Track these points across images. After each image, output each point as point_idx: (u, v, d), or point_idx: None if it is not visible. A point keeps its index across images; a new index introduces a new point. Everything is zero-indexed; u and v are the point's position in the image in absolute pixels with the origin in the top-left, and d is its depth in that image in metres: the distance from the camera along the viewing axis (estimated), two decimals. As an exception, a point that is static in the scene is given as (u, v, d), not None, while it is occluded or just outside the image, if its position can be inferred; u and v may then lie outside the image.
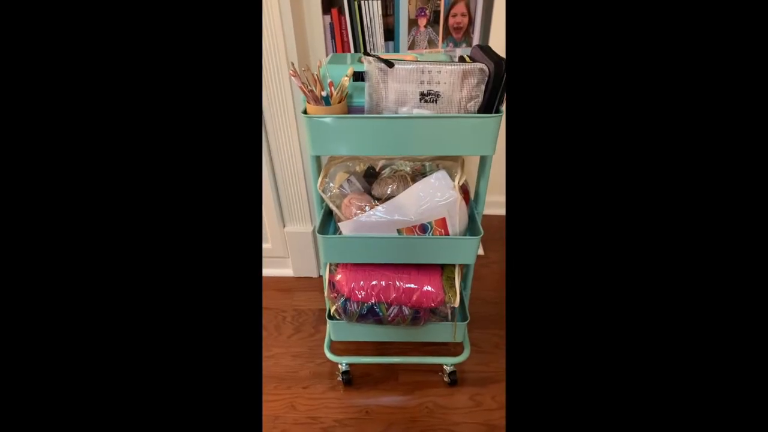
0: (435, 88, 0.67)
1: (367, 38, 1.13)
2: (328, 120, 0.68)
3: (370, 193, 0.88)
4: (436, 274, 0.89)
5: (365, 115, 0.68)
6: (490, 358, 1.09)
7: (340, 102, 0.70)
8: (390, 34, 1.16)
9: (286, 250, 1.33)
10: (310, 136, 0.70)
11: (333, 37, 1.12)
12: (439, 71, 0.66)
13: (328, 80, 0.71)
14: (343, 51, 1.14)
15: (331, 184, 0.84)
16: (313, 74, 0.69)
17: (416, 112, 0.69)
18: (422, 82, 0.67)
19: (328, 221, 0.93)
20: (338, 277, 0.89)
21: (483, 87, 0.67)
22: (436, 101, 0.68)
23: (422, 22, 1.13)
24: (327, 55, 1.13)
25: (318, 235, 0.82)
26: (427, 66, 0.66)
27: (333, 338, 1.00)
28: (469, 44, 1.19)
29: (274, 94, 1.05)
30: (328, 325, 1.00)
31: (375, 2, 1.07)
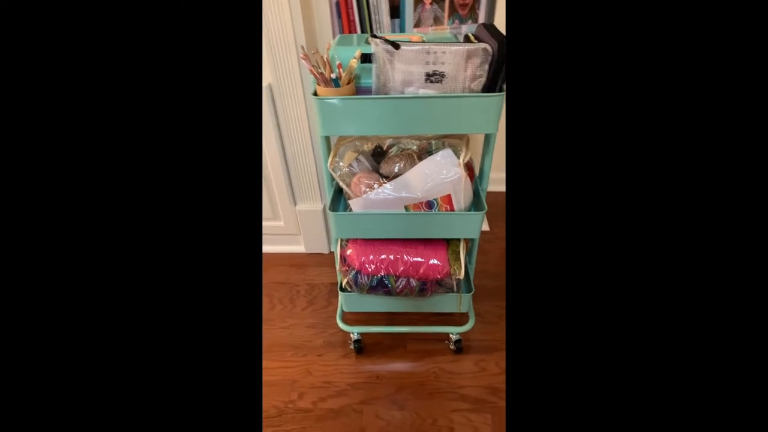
0: (440, 68, 0.69)
1: (373, 16, 1.13)
2: (337, 101, 0.71)
3: (378, 172, 0.92)
4: (442, 248, 0.93)
5: (373, 96, 0.71)
6: (493, 328, 1.14)
7: (348, 83, 0.72)
8: (396, 11, 1.16)
9: (297, 227, 1.38)
10: (321, 118, 0.73)
11: (339, 15, 1.13)
12: (444, 52, 0.68)
13: (337, 62, 0.73)
14: (350, 29, 1.15)
15: (341, 164, 0.88)
16: (322, 57, 0.72)
17: (422, 92, 0.72)
18: (428, 63, 0.69)
19: (338, 199, 0.97)
20: (349, 251, 0.94)
21: (486, 67, 0.69)
22: (441, 81, 0.70)
23: (428, -1, 1.13)
24: (333, 34, 1.15)
25: (329, 212, 0.87)
26: (432, 47, 0.68)
27: (345, 309, 1.06)
28: (475, 21, 1.19)
29: (283, 74, 1.08)
30: (340, 297, 1.05)
31: (381, -20, 1.07)
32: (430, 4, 1.14)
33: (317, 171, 1.25)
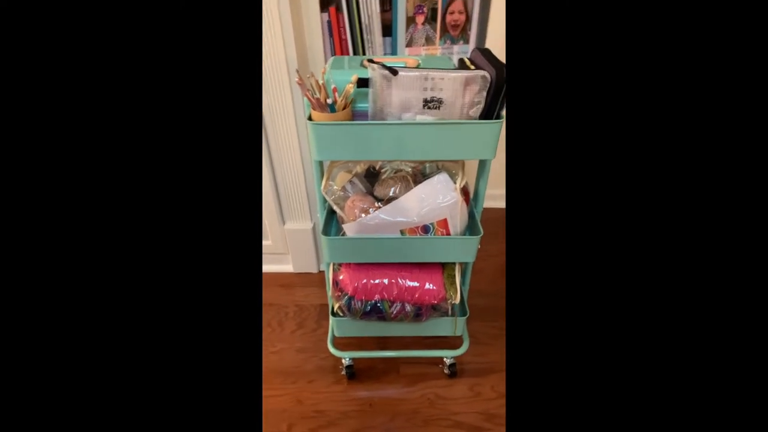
0: (438, 94, 0.68)
1: (365, 35, 1.13)
2: (333, 127, 0.69)
3: (372, 194, 0.90)
4: (437, 272, 0.91)
5: (370, 122, 0.69)
6: (487, 350, 1.13)
7: (344, 108, 0.71)
8: (387, 30, 1.16)
9: (286, 246, 1.35)
10: (316, 143, 0.71)
11: (331, 34, 1.12)
12: (442, 78, 0.67)
13: (332, 86, 0.72)
14: (341, 49, 1.14)
15: (334, 186, 0.86)
16: (317, 81, 0.70)
17: (419, 118, 0.70)
18: (425, 89, 0.68)
19: (330, 221, 0.95)
20: (342, 276, 0.91)
21: (484, 93, 0.69)
22: (439, 107, 0.70)
23: (420, 19, 1.13)
24: (325, 53, 1.13)
25: (322, 236, 0.84)
26: (430, 73, 0.67)
27: (336, 334, 1.03)
28: (466, 41, 1.19)
29: (273, 93, 1.06)
30: (331, 322, 1.02)
31: (373, 0, 1.07)
32: (422, 24, 1.14)
33: (307, 189, 1.23)
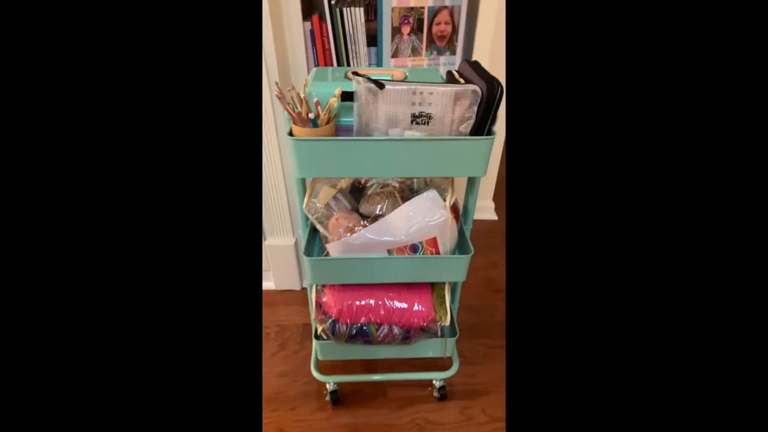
0: (427, 109, 0.65)
1: (349, 46, 1.09)
2: (315, 143, 0.65)
3: (357, 211, 0.86)
4: (426, 292, 0.87)
5: (354, 137, 0.65)
6: (477, 370, 1.09)
7: (328, 123, 0.67)
8: (373, 40, 1.13)
9: (267, 263, 1.29)
10: (297, 159, 0.67)
11: (314, 44, 1.08)
12: (431, 93, 0.64)
13: (315, 99, 0.67)
14: (325, 59, 1.10)
15: (318, 204, 0.81)
16: (298, 94, 0.66)
17: (407, 134, 0.67)
18: (413, 104, 0.65)
19: (313, 239, 0.90)
20: (325, 298, 0.87)
21: (475, 109, 0.66)
22: (427, 123, 0.66)
23: (406, 29, 1.10)
24: (307, 64, 1.09)
25: (304, 257, 0.79)
26: (418, 87, 0.64)
27: (320, 357, 0.97)
28: (453, 52, 1.17)
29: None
30: (314, 345, 0.97)
31: (357, 9, 1.04)
32: (408, 34, 1.11)
33: (289, 204, 1.18)
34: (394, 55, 1.14)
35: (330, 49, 1.08)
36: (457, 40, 1.15)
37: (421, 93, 0.64)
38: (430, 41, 1.13)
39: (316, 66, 1.10)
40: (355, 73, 0.64)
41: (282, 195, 1.15)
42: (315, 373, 0.99)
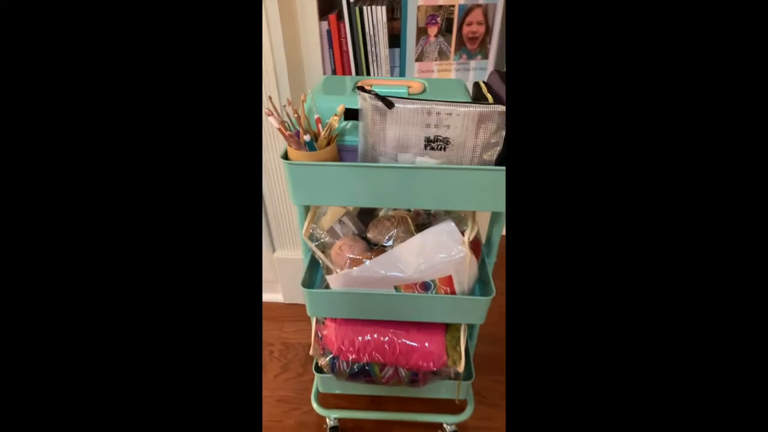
0: (444, 133, 0.55)
1: (369, 48, 0.99)
2: (312, 168, 0.56)
3: (365, 236, 0.76)
4: (438, 332, 0.77)
5: (357, 164, 0.56)
6: (494, 412, 0.98)
7: (328, 145, 0.57)
8: (395, 40, 1.02)
9: (275, 274, 1.22)
10: (292, 185, 0.58)
11: (331, 46, 0.99)
12: (450, 114, 0.53)
13: (315, 116, 0.58)
14: (342, 62, 1.01)
15: (319, 231, 0.72)
16: (296, 110, 0.57)
17: (419, 160, 0.57)
18: (428, 125, 0.54)
19: (315, 264, 0.82)
20: (326, 331, 0.78)
21: (503, 133, 0.55)
22: (444, 148, 0.56)
23: (432, 30, 0.99)
24: (323, 66, 1.00)
25: (303, 289, 0.71)
26: (435, 106, 0.53)
27: (321, 390, 0.90)
28: (485, 56, 1.05)
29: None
30: (315, 377, 0.89)
31: (378, 7, 0.94)
32: (435, 36, 1.00)
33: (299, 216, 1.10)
34: (419, 58, 1.03)
35: (348, 51, 0.99)
36: (490, 43, 1.03)
37: (438, 114, 0.53)
38: (460, 44, 1.02)
39: (332, 70, 1.01)
40: (361, 88, 0.55)
41: (291, 207, 1.08)
42: (315, 406, 0.92)
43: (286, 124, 0.56)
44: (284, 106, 0.57)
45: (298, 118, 0.56)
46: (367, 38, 0.98)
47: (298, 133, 0.56)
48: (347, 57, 1.00)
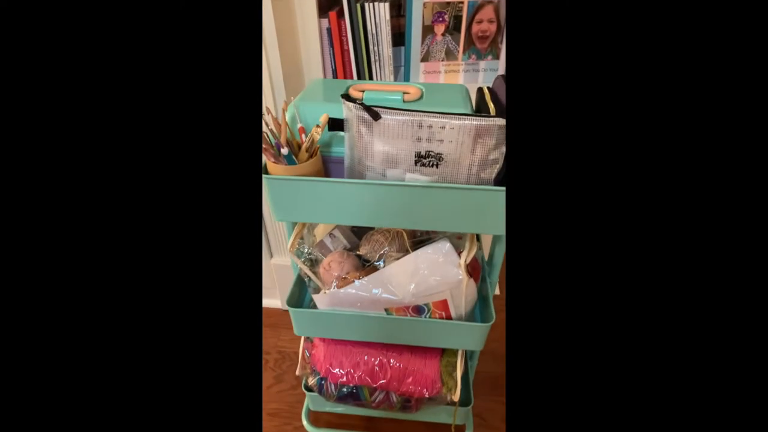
0: (436, 148, 0.49)
1: (371, 47, 0.94)
2: (291, 183, 0.51)
3: (357, 251, 0.71)
4: (433, 356, 0.72)
5: (336, 180, 0.50)
6: (496, 437, 0.92)
7: (312, 157, 0.52)
8: (400, 39, 0.96)
9: (272, 280, 1.19)
10: (272, 200, 0.54)
11: (331, 44, 0.93)
12: (443, 127, 0.47)
13: (298, 125, 0.54)
14: (343, 61, 0.95)
15: (305, 246, 0.68)
16: (275, 119, 0.52)
17: (409, 177, 0.51)
18: (419, 139, 0.49)
19: (304, 283, 0.77)
20: (314, 350, 0.74)
21: (503, 149, 0.49)
22: (437, 165, 0.50)
23: (439, 29, 0.93)
24: (323, 66, 0.95)
25: (288, 307, 0.67)
26: (426, 119, 0.48)
27: (311, 408, 0.86)
28: (496, 56, 0.98)
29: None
30: (306, 395, 0.85)
31: (381, 4, 0.88)
32: (442, 35, 0.93)
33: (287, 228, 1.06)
34: (425, 58, 0.97)
35: (348, 50, 0.93)
36: (502, 42, 0.96)
37: (430, 126, 0.48)
38: (469, 43, 0.95)
39: (333, 71, 0.96)
40: (346, 96, 0.49)
41: (289, 213, 1.04)
42: (306, 424, 0.88)
43: (266, 135, 0.51)
44: (264, 113, 0.52)
45: (279, 127, 0.52)
46: (370, 37, 0.92)
47: (279, 145, 0.52)
48: (348, 56, 0.95)
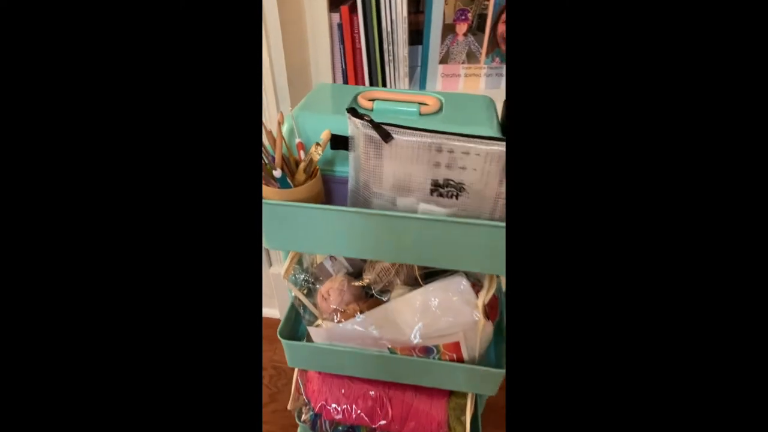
0: (457, 176, 0.41)
1: (385, 45, 0.85)
2: (285, 209, 0.43)
3: (360, 277, 0.64)
4: (440, 396, 0.65)
5: (340, 208, 0.43)
6: (503, 477, 0.85)
7: (311, 178, 0.45)
8: (417, 37, 0.88)
9: (271, 289, 1.12)
10: (263, 226, 0.46)
11: (342, 42, 0.85)
12: (467, 153, 0.40)
13: (297, 140, 0.46)
14: (354, 60, 0.87)
15: (301, 276, 0.60)
16: (270, 133, 0.45)
17: (424, 208, 0.43)
18: (437, 165, 0.41)
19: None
20: (309, 382, 0.67)
21: (539, 182, 0.40)
22: (456, 196, 0.42)
23: (461, 28, 0.84)
24: (333, 67, 0.87)
25: (281, 339, 0.60)
26: (447, 141, 0.40)
27: (304, 438, 0.79)
28: (523, 60, 0.89)
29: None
30: (300, 427, 0.79)
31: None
32: (464, 35, 0.85)
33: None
34: (444, 60, 0.88)
35: (361, 48, 0.85)
36: (530, 45, 0.87)
37: (451, 151, 0.40)
38: (494, 45, 0.86)
39: (343, 72, 0.88)
40: (352, 111, 0.42)
41: (290, 221, 0.97)
42: (297, 453, 0.81)
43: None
44: (254, 128, 0.44)
45: (273, 142, 0.44)
46: (384, 34, 0.84)
47: (274, 160, 0.44)
48: (360, 56, 0.86)
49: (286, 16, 0.75)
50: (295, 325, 0.68)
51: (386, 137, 0.39)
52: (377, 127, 0.40)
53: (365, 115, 0.41)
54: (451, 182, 0.41)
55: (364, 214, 0.42)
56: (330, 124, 0.46)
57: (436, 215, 0.42)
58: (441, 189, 0.42)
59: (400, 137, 0.40)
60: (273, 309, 1.18)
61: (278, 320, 1.17)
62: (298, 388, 0.69)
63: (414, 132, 0.40)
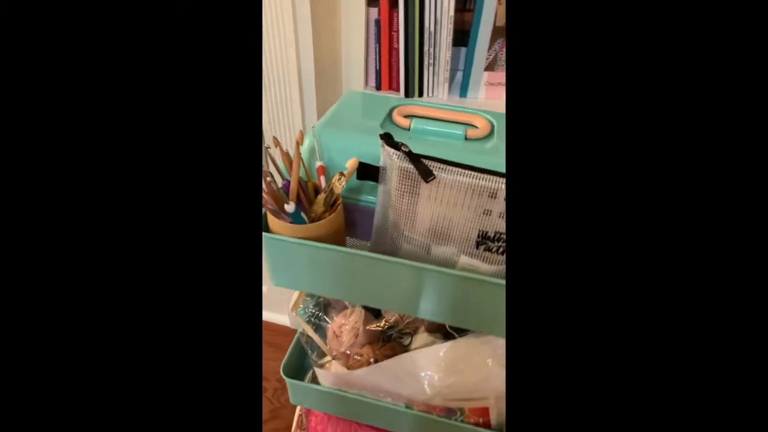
0: (513, 229, 0.32)
1: (426, 46, 0.77)
2: (294, 246, 0.36)
3: (379, 315, 0.56)
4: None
5: (363, 253, 0.35)
6: None
7: (330, 210, 0.37)
8: (462, 38, 0.79)
9: (283, 293, 1.07)
10: (270, 263, 0.39)
11: (378, 40, 0.77)
12: (530, 203, 0.31)
13: (318, 163, 0.39)
14: (390, 61, 0.79)
15: (310, 308, 0.53)
16: (286, 153, 0.37)
17: (464, 262, 0.35)
18: (488, 213, 0.33)
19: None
20: (311, 419, 0.60)
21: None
22: (505, 252, 0.34)
23: (514, 32, 0.74)
24: (366, 67, 0.79)
25: (285, 377, 0.53)
26: (503, 186, 0.31)
27: (303, 471, 0.73)
28: (581, 71, 0.78)
29: (272, 117, 0.74)
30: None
31: (446, -6, 0.70)
32: (517, 40, 0.75)
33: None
34: (490, 66, 0.79)
35: (398, 48, 0.77)
36: (591, 55, 0.76)
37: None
38: (549, 52, 0.76)
39: (377, 74, 0.80)
40: (386, 137, 0.34)
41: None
42: (295, 484, 0.75)
43: (268, 178, 0.36)
44: (266, 148, 0.37)
45: (290, 164, 0.37)
46: (426, 33, 0.75)
47: (288, 185, 0.37)
48: (397, 57, 0.78)
49: (319, 7, 0.67)
50: (301, 357, 0.61)
51: (427, 176, 0.31)
52: (416, 161, 0.32)
53: (402, 144, 0.33)
54: (503, 236, 0.33)
55: (392, 263, 0.34)
56: (357, 146, 0.38)
57: (481, 275, 0.34)
58: (489, 243, 0.33)
59: (444, 175, 0.32)
60: (283, 315, 1.12)
61: (289, 329, 1.12)
62: (300, 425, 0.63)
63: (461, 170, 0.32)
